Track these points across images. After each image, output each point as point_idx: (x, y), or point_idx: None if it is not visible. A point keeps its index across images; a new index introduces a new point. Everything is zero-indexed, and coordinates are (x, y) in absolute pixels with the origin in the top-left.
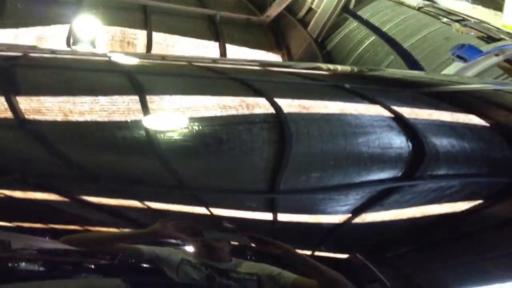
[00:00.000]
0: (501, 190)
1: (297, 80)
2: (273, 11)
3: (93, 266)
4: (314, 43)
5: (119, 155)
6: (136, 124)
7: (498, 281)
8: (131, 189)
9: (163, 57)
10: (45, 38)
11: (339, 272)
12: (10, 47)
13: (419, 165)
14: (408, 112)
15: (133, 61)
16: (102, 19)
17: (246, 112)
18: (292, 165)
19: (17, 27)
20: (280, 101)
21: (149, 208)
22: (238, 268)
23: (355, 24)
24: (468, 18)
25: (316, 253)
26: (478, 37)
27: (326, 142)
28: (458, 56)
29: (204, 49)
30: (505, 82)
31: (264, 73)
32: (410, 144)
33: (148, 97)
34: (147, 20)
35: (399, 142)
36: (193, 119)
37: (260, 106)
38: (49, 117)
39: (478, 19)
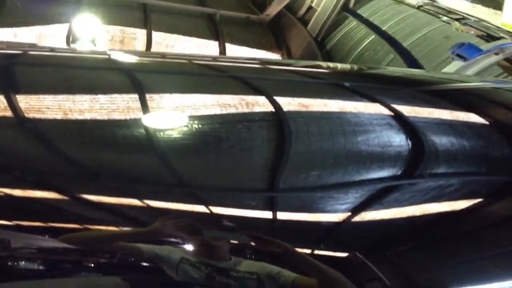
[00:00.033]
0: (501, 188)
1: (297, 78)
2: (273, 9)
3: (92, 265)
4: (314, 42)
5: (119, 153)
6: (136, 122)
7: (498, 279)
8: (130, 188)
9: (162, 55)
10: (44, 37)
11: (339, 271)
12: (10, 45)
13: (418, 163)
14: (407, 110)
15: (133, 59)
16: (101, 17)
17: (245, 110)
18: (292, 163)
19: (16, 26)
20: (279, 99)
21: (148, 207)
22: (237, 267)
23: (355, 23)
24: (468, 16)
25: (316, 252)
26: (478, 36)
27: (326, 140)
28: (457, 55)
29: (204, 48)
30: (505, 80)
31: (264, 71)
32: (409, 142)
33: (147, 95)
34: (147, 18)
35: (398, 140)
36: (192, 117)
37: (259, 104)
38: (48, 115)
39: (478, 18)
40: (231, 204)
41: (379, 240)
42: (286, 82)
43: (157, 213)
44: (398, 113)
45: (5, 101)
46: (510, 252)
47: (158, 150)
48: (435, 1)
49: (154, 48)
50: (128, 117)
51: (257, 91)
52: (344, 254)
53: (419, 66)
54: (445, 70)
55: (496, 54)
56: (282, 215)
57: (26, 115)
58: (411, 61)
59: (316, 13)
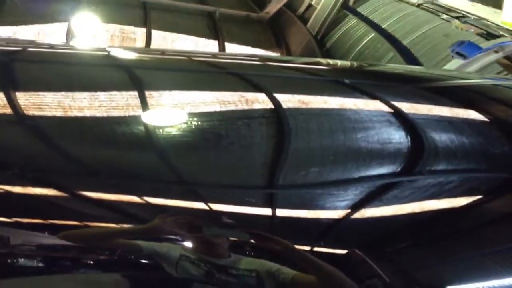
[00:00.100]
0: (500, 185)
1: (297, 75)
2: (273, 7)
3: (92, 262)
4: (314, 40)
5: (118, 150)
6: (135, 119)
7: (497, 276)
8: (130, 185)
9: (162, 52)
10: (44, 35)
11: (338, 268)
12: (9, 41)
13: (418, 160)
14: (407, 107)
15: (132, 55)
16: (101, 16)
17: (245, 107)
18: (291, 160)
19: (16, 25)
20: (279, 96)
21: (148, 204)
22: (237, 264)
23: (355, 21)
24: (468, 15)
25: (315, 249)
26: (478, 34)
27: (325, 137)
28: (457, 53)
29: (203, 46)
30: (504, 77)
31: (264, 68)
32: (409, 139)
33: (147, 92)
34: (147, 17)
35: (398, 137)
36: (192, 114)
37: (259, 101)
38: (47, 111)
39: (477, 16)
40: (231, 201)
41: (379, 237)
42: (286, 79)
43: (156, 210)
44: (397, 110)
45: (4, 98)
46: (510, 249)
47: (157, 147)
48: None
49: (154, 46)
50: (127, 114)
51: (256, 88)
52: (344, 251)
53: (418, 64)
54: (445, 68)
55: (496, 52)
56: (281, 212)
57: (25, 111)
58: (411, 59)
59: (316, 11)
